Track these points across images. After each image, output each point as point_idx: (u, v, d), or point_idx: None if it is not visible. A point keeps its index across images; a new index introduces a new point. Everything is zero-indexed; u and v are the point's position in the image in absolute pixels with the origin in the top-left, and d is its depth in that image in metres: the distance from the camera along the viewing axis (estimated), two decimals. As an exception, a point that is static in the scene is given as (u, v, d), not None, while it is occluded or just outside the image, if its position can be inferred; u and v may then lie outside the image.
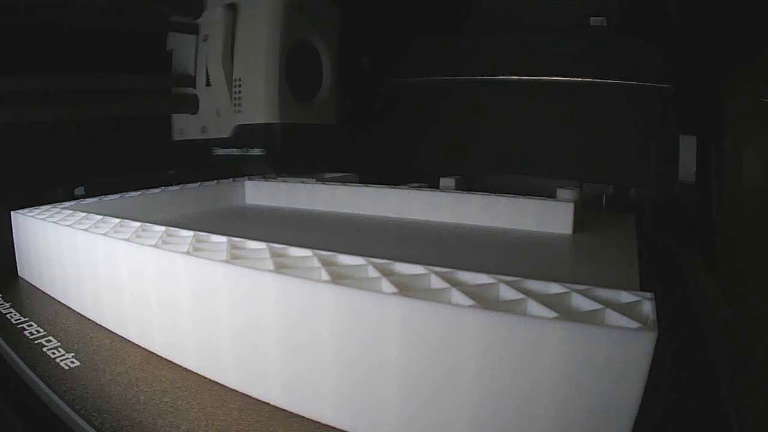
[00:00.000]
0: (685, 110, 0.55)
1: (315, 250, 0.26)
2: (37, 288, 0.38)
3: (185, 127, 0.60)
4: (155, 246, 0.27)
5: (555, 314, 0.18)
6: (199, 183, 0.55)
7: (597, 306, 0.19)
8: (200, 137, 0.58)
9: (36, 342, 0.29)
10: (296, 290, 0.22)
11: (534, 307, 0.19)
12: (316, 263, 0.24)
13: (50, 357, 0.27)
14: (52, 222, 0.34)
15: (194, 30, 0.58)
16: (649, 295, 0.20)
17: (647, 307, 0.19)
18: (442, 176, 0.54)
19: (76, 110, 0.49)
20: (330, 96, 0.61)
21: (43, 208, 0.39)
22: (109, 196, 0.45)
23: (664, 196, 0.56)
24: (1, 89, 0.43)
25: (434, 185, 0.52)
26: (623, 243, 0.37)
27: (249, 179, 0.58)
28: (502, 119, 0.65)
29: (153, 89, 0.59)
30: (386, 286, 0.21)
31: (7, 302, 0.35)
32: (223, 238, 0.28)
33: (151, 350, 0.28)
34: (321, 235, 0.45)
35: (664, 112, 0.56)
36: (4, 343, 0.29)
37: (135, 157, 0.58)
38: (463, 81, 0.66)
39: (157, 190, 0.49)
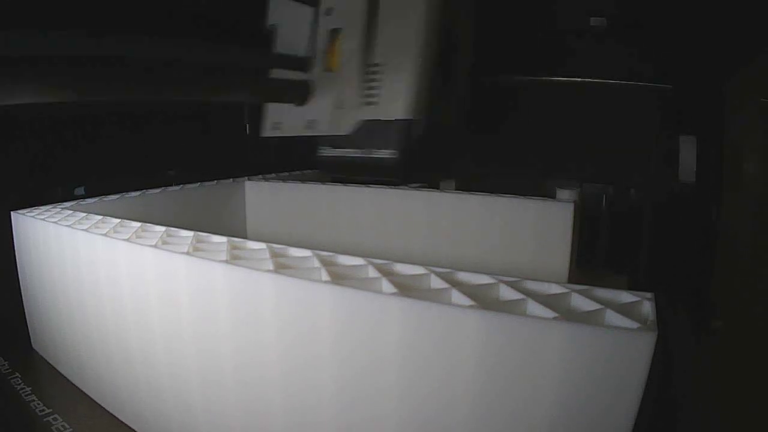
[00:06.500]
0: (685, 110, 0.55)
1: (315, 251, 0.26)
2: (52, 366, 0.38)
3: (283, 121, 0.48)
4: (155, 246, 0.27)
5: (555, 314, 0.18)
6: (199, 183, 0.54)
7: (597, 306, 0.19)
8: (304, 134, 0.47)
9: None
10: (296, 291, 0.22)
11: (534, 308, 0.19)
12: (316, 263, 0.24)
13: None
14: (53, 222, 0.34)
15: (312, 1, 0.45)
16: (648, 295, 0.20)
17: (647, 307, 0.19)
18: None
19: (138, 88, 0.30)
20: (462, 94, 0.50)
21: (44, 208, 0.39)
22: (109, 196, 0.45)
23: (663, 197, 0.56)
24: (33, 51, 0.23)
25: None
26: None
27: (249, 179, 0.58)
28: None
29: (247, 72, 0.43)
30: (386, 286, 0.21)
31: (28, 386, 0.35)
32: (223, 239, 0.28)
33: None
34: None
35: (664, 112, 0.56)
36: None
37: (214, 160, 0.49)
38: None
39: (157, 191, 0.49)
